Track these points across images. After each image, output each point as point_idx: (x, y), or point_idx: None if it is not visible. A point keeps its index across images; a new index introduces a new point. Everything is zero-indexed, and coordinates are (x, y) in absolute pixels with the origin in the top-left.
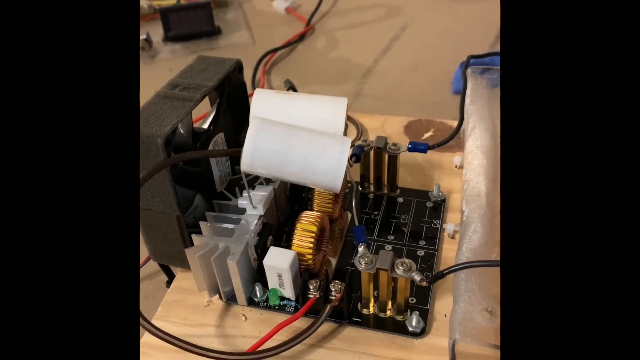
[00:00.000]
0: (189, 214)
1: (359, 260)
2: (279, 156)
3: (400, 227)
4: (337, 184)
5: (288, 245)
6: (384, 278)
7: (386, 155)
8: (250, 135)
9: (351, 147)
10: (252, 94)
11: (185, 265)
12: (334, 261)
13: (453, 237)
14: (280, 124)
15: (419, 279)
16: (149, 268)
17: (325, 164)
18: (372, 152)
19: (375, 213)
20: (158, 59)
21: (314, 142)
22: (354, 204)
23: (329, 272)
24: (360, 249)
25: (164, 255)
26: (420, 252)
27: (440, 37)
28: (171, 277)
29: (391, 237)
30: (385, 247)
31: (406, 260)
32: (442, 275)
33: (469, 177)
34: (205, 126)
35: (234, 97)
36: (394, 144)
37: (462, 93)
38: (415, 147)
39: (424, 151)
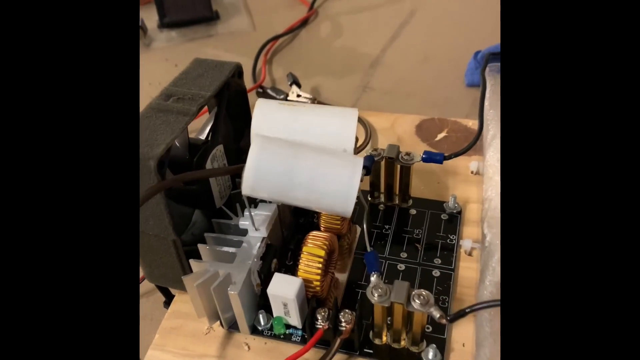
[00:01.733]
0: (187, 232)
1: (371, 292)
2: (283, 180)
3: (413, 242)
4: (349, 209)
5: (294, 265)
6: (398, 311)
7: (398, 166)
8: (251, 156)
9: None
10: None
11: (183, 288)
12: (343, 277)
13: (470, 255)
14: (284, 142)
15: (438, 315)
16: (146, 285)
17: (335, 189)
18: (383, 162)
19: (387, 227)
20: (153, 47)
21: (322, 164)
22: (364, 226)
23: (337, 299)
24: (373, 278)
25: (160, 277)
26: (436, 272)
27: (451, 23)
28: (169, 297)
29: (404, 255)
30: (398, 267)
31: (423, 292)
32: (464, 314)
33: (490, 196)
34: (203, 137)
35: (233, 102)
36: (407, 154)
37: (481, 96)
38: (430, 157)
39: (440, 162)
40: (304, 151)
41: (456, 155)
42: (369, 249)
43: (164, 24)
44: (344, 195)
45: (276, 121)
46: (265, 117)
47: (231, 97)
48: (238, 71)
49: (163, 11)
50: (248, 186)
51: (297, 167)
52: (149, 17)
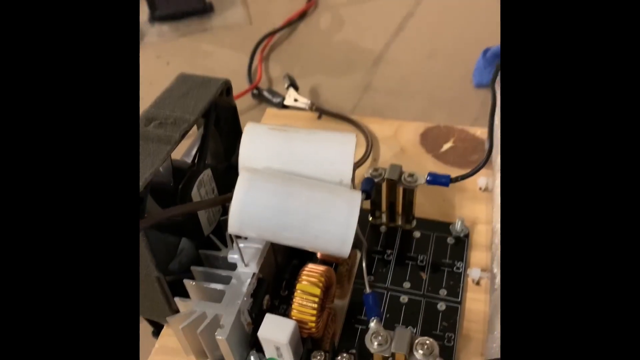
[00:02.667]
0: (174, 260)
1: (370, 339)
2: (273, 220)
3: (417, 270)
4: (345, 251)
5: (289, 295)
6: None
7: (401, 188)
8: (238, 194)
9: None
10: (247, 90)
11: None
12: (342, 303)
13: (478, 284)
14: (274, 177)
15: None
16: None
17: (330, 230)
18: (384, 183)
19: (389, 252)
20: (144, 43)
21: (316, 202)
22: (364, 265)
23: (335, 337)
24: (372, 324)
25: (146, 310)
26: (441, 306)
27: (459, 15)
28: (157, 327)
29: (407, 285)
30: (401, 299)
31: (427, 341)
32: None
33: (499, 229)
34: (189, 159)
35: (223, 120)
36: (410, 175)
37: (491, 111)
38: (435, 180)
39: (446, 184)
40: (297, 187)
41: (463, 177)
42: (367, 290)
43: (155, 17)
44: (341, 236)
45: (266, 150)
46: (254, 145)
47: (220, 115)
48: (226, 88)
49: (154, 3)
50: (235, 225)
51: (288, 206)
52: (139, 10)
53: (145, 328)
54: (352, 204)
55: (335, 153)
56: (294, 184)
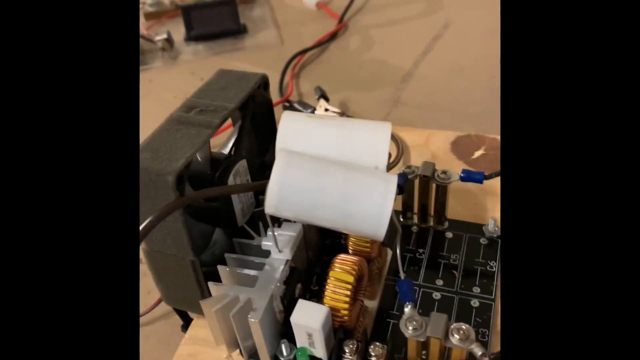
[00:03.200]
0: (206, 252)
1: (405, 324)
2: (309, 198)
3: (450, 269)
4: (381, 232)
5: (319, 290)
6: (435, 346)
7: (434, 185)
8: (276, 172)
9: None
10: (278, 102)
11: (201, 312)
12: (372, 304)
13: None
14: (311, 158)
15: (479, 353)
16: (163, 307)
17: (366, 209)
18: (417, 180)
19: (420, 251)
20: (180, 60)
21: (353, 182)
22: (397, 252)
23: (367, 329)
24: (407, 309)
25: (177, 299)
26: (475, 302)
27: (486, 35)
28: (187, 320)
29: (440, 282)
30: (434, 295)
31: (463, 326)
32: None
33: None
34: (226, 151)
35: (258, 115)
36: (444, 172)
37: None
38: (469, 177)
39: (480, 181)
40: (333, 167)
41: (497, 174)
42: (402, 276)
43: (190, 37)
44: (376, 216)
45: (303, 135)
46: (291, 130)
47: (256, 110)
48: (264, 82)
49: (190, 24)
50: (272, 204)
51: (325, 185)
52: (176, 30)
53: (174, 324)
54: (388, 184)
55: (370, 139)
56: (330, 164)
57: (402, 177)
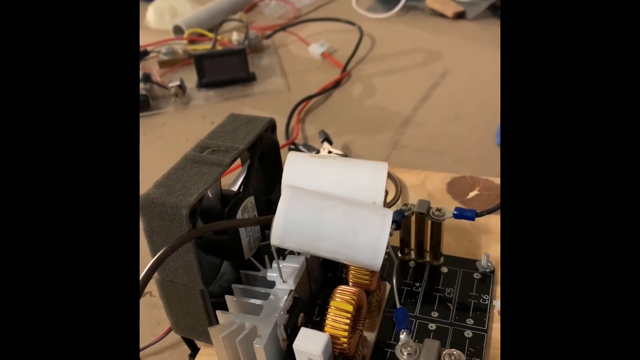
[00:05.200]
0: (214, 283)
1: (400, 350)
2: (312, 230)
3: (444, 301)
4: (377, 262)
5: (321, 320)
6: None
7: (429, 222)
8: (281, 206)
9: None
10: (284, 145)
11: (209, 341)
12: (371, 336)
13: None
14: (314, 193)
15: None
16: (172, 338)
17: (364, 241)
18: (413, 217)
19: (417, 284)
20: (191, 105)
21: (352, 216)
22: (394, 282)
23: (365, 358)
24: (402, 336)
25: (186, 328)
26: (468, 333)
27: (483, 84)
28: (194, 349)
29: (435, 314)
30: (429, 326)
31: (455, 352)
32: None
33: None
34: (235, 188)
35: (266, 155)
36: (438, 210)
37: None
38: (461, 214)
39: (472, 218)
40: (334, 202)
41: (488, 212)
42: (398, 305)
43: (202, 84)
44: (373, 248)
45: (307, 173)
46: (296, 168)
47: (264, 150)
48: (272, 125)
49: (202, 72)
50: (277, 236)
51: (326, 218)
52: (188, 77)
53: (182, 353)
54: (384, 218)
55: (369, 177)
56: (331, 199)
57: (399, 213)
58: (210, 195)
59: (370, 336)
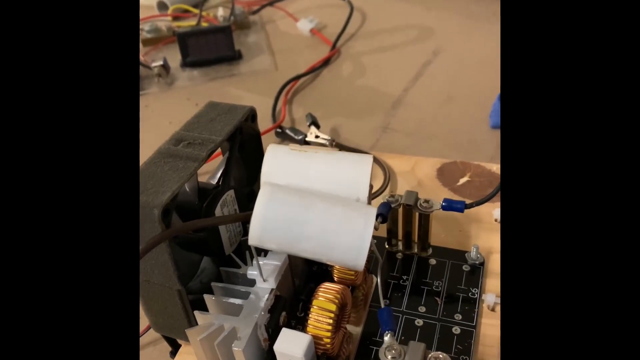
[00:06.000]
0: (195, 279)
1: (384, 353)
2: (292, 231)
3: (432, 295)
4: (360, 263)
5: (304, 317)
6: None
7: (417, 213)
8: (259, 206)
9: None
10: (271, 129)
11: (188, 340)
12: (357, 330)
13: (493, 310)
14: (294, 191)
15: None
16: (152, 333)
17: (346, 242)
18: (400, 209)
19: (404, 277)
20: (175, 86)
21: (334, 215)
22: (379, 280)
23: (350, 357)
24: (387, 338)
25: (165, 327)
26: (456, 330)
27: (476, 63)
28: (175, 346)
29: (422, 309)
30: (416, 322)
31: (440, 355)
32: None
33: None
34: (214, 181)
35: (247, 146)
36: (426, 201)
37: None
38: (450, 206)
39: (461, 210)
40: (315, 201)
41: (478, 203)
42: (382, 304)
43: (186, 64)
44: (356, 248)
45: (287, 168)
46: (275, 163)
47: (245, 141)
48: (252, 114)
49: (186, 51)
50: (255, 236)
51: (307, 218)
52: (171, 56)
53: (162, 349)
54: (367, 217)
55: (352, 171)
56: (312, 197)
57: (386, 206)
58: (188, 189)
59: (356, 330)
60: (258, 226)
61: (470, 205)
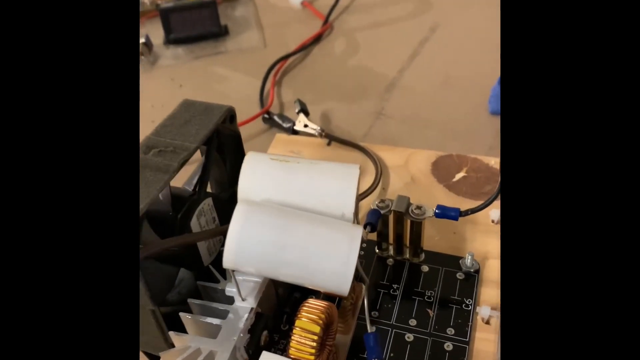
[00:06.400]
0: (172, 291)
1: None
2: (270, 255)
3: (424, 307)
4: (344, 289)
5: (289, 330)
6: None
7: (409, 220)
8: (233, 228)
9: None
10: (258, 114)
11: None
12: (346, 339)
13: (488, 323)
14: (272, 211)
15: None
16: None
17: (329, 267)
18: (391, 215)
19: (395, 286)
20: (158, 65)
21: (315, 238)
22: (366, 303)
23: None
24: None
25: (142, 343)
26: (448, 346)
27: (476, 40)
28: (153, 358)
29: (413, 323)
30: (406, 337)
31: None
32: None
33: None
34: (191, 187)
35: (226, 147)
36: (418, 207)
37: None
38: (444, 213)
39: (455, 219)
40: (295, 221)
41: (474, 211)
42: (369, 329)
43: (170, 40)
44: (339, 274)
45: (267, 181)
46: (255, 176)
47: (224, 142)
48: (230, 115)
49: (169, 27)
50: (229, 260)
51: (286, 242)
52: (154, 32)
53: (142, 356)
54: (352, 241)
55: (337, 186)
56: (292, 218)
57: (375, 213)
58: (161, 198)
59: (345, 339)
60: (232, 250)
61: (466, 213)
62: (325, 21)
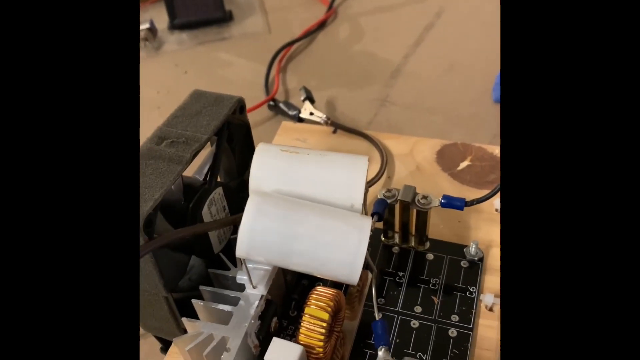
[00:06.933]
0: (184, 278)
1: None
2: (282, 245)
3: (429, 294)
4: (354, 279)
5: (298, 315)
6: None
7: (414, 210)
8: (246, 219)
9: (372, 218)
10: (264, 102)
11: None
12: (352, 324)
13: (491, 310)
14: (284, 202)
15: None
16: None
17: (339, 257)
18: (397, 204)
19: (401, 274)
20: (163, 51)
21: (326, 229)
22: (374, 291)
23: (345, 356)
24: (380, 352)
25: (154, 328)
26: (453, 332)
27: (481, 25)
28: (166, 343)
29: (418, 310)
30: (412, 323)
31: None
32: None
33: None
34: (202, 176)
35: (236, 137)
36: (424, 197)
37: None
38: (450, 203)
39: (461, 208)
40: (306, 212)
41: (479, 201)
42: (377, 317)
43: (174, 26)
44: (349, 264)
45: (277, 172)
46: (265, 166)
47: (233, 132)
48: (240, 106)
49: (173, 11)
50: (242, 249)
51: (297, 232)
52: (158, 17)
53: (153, 344)
54: (362, 232)
55: (346, 178)
56: (303, 209)
57: (382, 203)
58: (172, 187)
59: (352, 325)
60: (245, 240)
61: (471, 203)
62: (330, 6)
